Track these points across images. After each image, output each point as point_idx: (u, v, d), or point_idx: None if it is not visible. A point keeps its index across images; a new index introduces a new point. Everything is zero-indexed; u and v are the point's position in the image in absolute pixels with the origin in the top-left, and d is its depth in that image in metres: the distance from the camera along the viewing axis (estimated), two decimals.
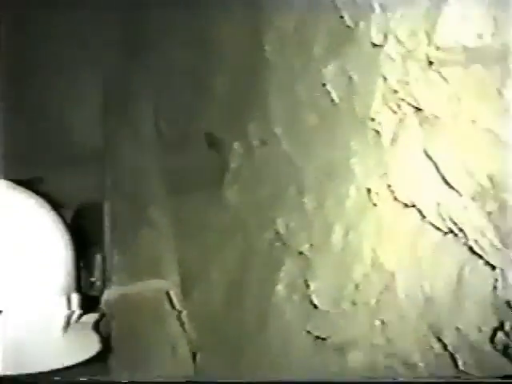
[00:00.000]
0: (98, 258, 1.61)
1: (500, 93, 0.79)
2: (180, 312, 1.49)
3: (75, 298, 1.00)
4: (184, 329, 1.50)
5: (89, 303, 1.24)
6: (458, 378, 1.00)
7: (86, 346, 1.02)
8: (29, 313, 0.90)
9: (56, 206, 1.12)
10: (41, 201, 1.01)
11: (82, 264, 1.51)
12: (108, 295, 1.46)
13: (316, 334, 1.38)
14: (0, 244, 0.95)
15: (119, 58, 2.31)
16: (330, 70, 1.29)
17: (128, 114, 2.09)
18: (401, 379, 1.15)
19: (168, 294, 1.50)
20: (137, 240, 1.64)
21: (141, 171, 1.85)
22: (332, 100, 1.30)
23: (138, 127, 2.04)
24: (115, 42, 2.34)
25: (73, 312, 0.98)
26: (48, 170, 1.88)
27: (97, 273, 1.57)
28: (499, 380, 0.95)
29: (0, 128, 1.73)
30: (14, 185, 1.08)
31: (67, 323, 0.97)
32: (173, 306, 1.50)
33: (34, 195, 1.01)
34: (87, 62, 2.35)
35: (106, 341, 1.37)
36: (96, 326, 1.19)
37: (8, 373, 0.88)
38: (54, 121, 2.39)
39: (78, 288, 1.01)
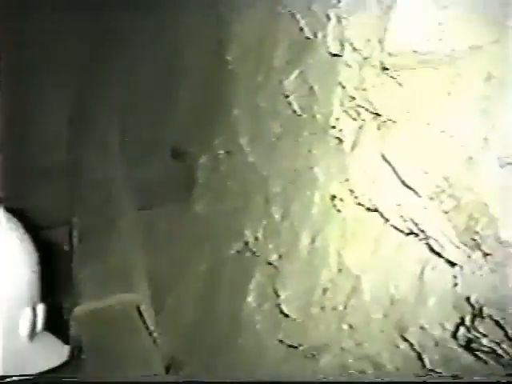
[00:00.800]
0: (66, 273, 1.60)
1: (450, 94, 0.82)
2: (151, 325, 1.49)
3: (41, 308, 1.00)
4: (155, 342, 1.50)
5: (57, 319, 1.23)
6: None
7: (55, 354, 1.02)
8: None
9: (22, 221, 1.12)
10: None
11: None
12: (77, 311, 1.45)
13: (287, 342, 1.39)
14: None
15: (83, 70, 2.30)
16: (291, 81, 1.32)
17: (93, 127, 2.09)
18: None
19: (138, 307, 1.50)
20: (106, 254, 1.63)
21: (108, 184, 1.85)
22: (294, 110, 1.33)
23: (104, 140, 2.04)
24: (79, 54, 2.33)
25: (37, 322, 0.97)
26: (12, 186, 1.85)
27: (64, 288, 1.55)
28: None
29: None
30: None
31: (33, 333, 0.96)
32: (143, 320, 1.49)
33: None
34: (51, 75, 2.33)
35: (77, 355, 1.36)
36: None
37: None
38: (18, 133, 2.34)
39: (44, 299, 1.00)
